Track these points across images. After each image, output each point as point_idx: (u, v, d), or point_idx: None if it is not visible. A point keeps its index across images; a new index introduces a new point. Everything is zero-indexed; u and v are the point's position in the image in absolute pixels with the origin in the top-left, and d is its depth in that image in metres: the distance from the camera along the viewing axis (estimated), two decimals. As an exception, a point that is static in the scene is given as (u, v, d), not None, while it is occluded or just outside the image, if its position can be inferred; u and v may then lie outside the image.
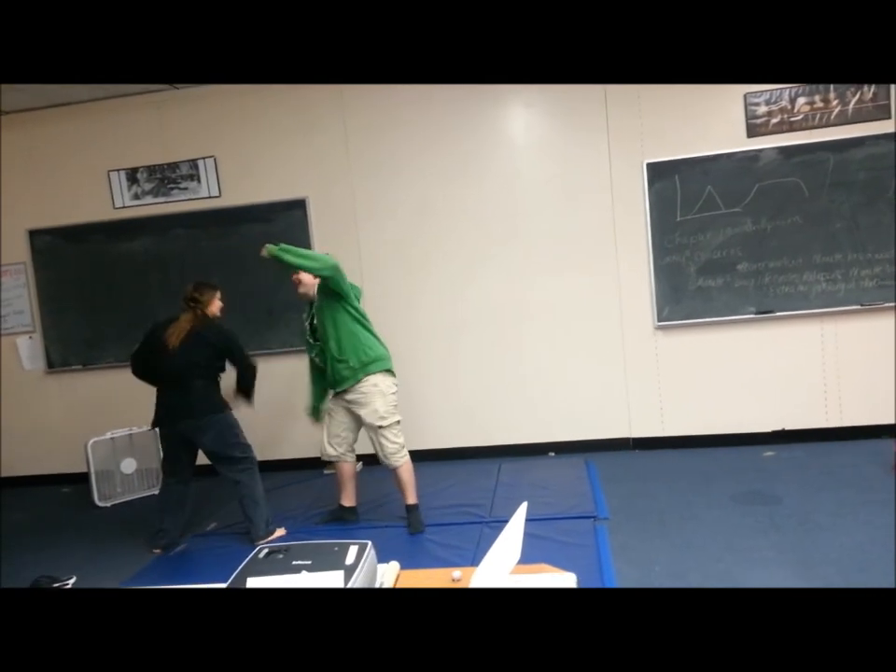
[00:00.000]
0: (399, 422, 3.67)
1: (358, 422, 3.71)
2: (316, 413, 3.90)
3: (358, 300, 3.67)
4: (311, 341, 3.76)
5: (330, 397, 3.82)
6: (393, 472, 3.69)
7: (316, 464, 5.09)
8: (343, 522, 3.86)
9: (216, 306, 3.82)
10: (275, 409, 5.18)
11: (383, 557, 1.59)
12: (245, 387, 3.77)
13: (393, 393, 3.66)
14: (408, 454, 3.70)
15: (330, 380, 3.69)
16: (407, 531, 3.68)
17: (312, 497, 4.44)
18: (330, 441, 3.76)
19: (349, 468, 3.84)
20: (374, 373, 3.60)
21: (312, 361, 3.82)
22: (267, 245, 3.43)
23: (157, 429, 3.88)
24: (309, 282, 3.65)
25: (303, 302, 3.84)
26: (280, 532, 3.77)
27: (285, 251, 3.40)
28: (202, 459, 3.77)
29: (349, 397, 3.65)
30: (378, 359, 3.62)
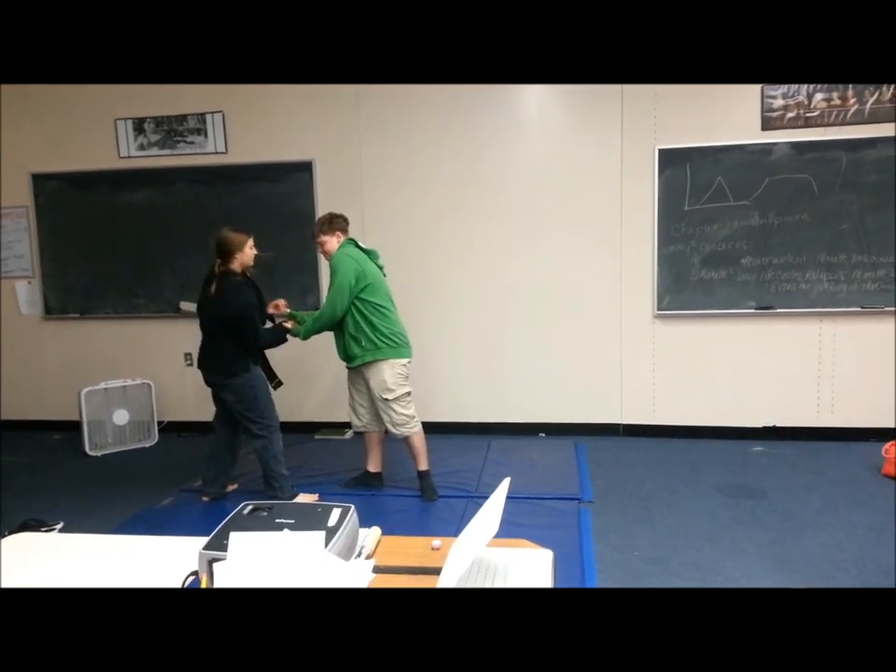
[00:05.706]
0: (408, 393, 3.69)
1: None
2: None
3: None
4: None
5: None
6: (404, 440, 3.74)
7: (307, 428, 5.13)
8: (367, 487, 3.91)
9: (246, 257, 3.56)
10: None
11: (369, 522, 1.60)
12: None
13: (403, 365, 3.68)
14: (419, 424, 3.74)
15: (342, 353, 3.73)
16: (420, 499, 3.75)
17: (300, 459, 4.45)
18: (355, 411, 3.83)
19: (375, 436, 3.87)
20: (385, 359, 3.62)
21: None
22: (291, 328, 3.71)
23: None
24: (330, 248, 3.68)
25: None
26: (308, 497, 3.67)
27: (305, 331, 3.67)
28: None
29: (361, 369, 3.68)
30: (390, 347, 3.61)
